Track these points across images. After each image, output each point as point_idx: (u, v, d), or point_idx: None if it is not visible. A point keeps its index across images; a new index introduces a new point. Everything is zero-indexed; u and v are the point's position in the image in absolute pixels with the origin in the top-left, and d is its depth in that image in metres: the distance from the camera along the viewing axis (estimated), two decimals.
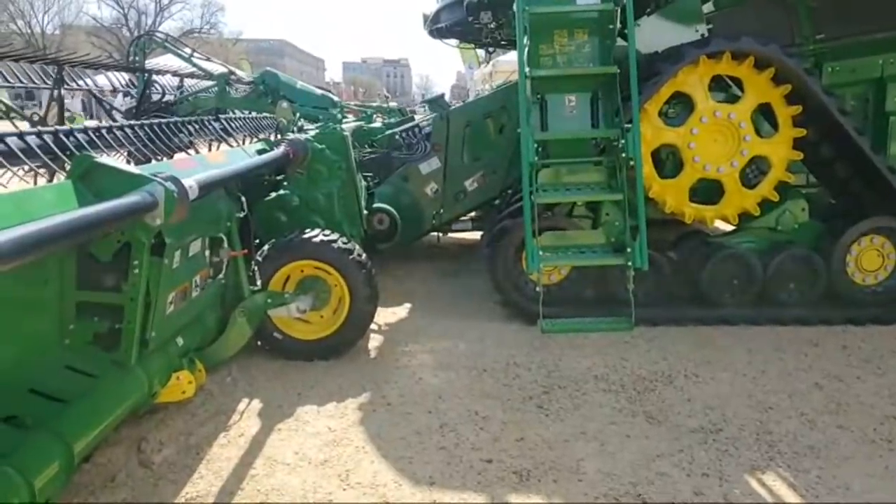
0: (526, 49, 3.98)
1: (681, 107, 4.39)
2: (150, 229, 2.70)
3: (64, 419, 2.52)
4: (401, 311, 5.11)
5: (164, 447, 3.12)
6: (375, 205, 5.75)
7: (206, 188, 3.04)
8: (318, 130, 4.89)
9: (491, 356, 4.15)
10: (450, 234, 7.00)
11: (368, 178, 5.93)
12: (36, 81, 5.72)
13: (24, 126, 4.68)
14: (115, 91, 7.83)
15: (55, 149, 4.61)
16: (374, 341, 4.48)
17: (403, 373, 3.96)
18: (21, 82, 5.60)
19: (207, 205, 3.59)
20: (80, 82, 6.46)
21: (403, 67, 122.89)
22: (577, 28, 4.21)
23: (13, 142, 4.33)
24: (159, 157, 5.67)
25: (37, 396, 2.57)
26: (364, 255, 4.18)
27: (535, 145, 3.93)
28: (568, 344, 4.28)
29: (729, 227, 4.99)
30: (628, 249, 3.80)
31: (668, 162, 4.48)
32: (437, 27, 6.69)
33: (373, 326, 4.65)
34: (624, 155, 3.79)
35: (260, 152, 4.52)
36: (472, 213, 6.39)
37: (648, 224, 3.86)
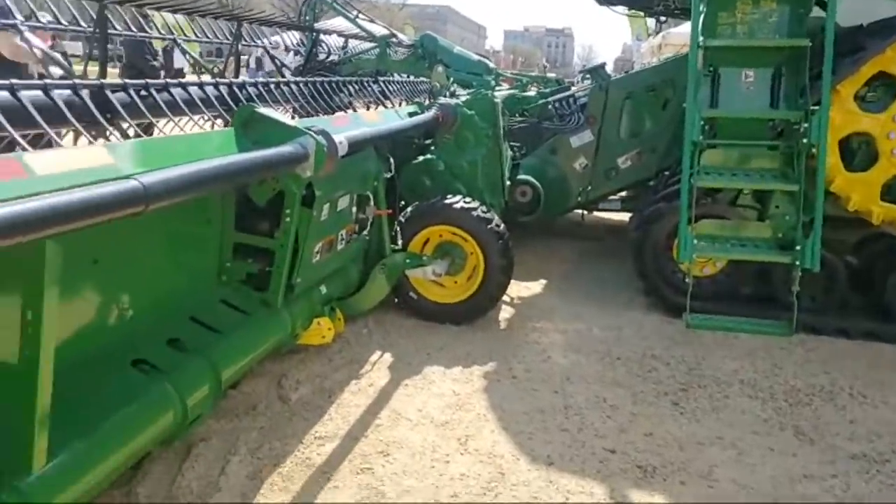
0: (701, 16, 3.67)
1: (883, 90, 3.85)
2: (301, 180, 2.82)
3: (216, 348, 2.73)
4: (536, 287, 5.03)
5: (300, 386, 3.31)
6: (520, 176, 5.66)
7: (356, 145, 3.13)
8: (469, 96, 4.87)
9: (626, 345, 3.98)
10: (595, 213, 6.78)
11: (515, 148, 5.85)
12: (219, 37, 6.17)
13: (207, 79, 5.07)
14: (287, 49, 8.28)
15: (229, 100, 4.98)
16: (506, 313, 4.46)
17: (532, 349, 3.91)
18: (207, 38, 6.07)
19: (357, 163, 3.70)
20: (258, 41, 6.88)
21: (566, 37, 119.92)
22: None
23: (195, 91, 4.71)
24: (320, 114, 5.94)
25: (196, 324, 2.80)
26: (502, 226, 4.15)
27: (702, 123, 3.65)
28: (714, 342, 4.00)
29: None
30: (797, 247, 3.45)
31: (860, 153, 3.96)
32: None
33: (506, 299, 4.62)
34: (805, 141, 3.42)
35: (412, 115, 4.59)
36: (623, 193, 6.11)
37: (825, 221, 3.49)
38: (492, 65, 7.36)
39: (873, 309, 4.18)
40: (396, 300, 4.26)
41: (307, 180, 2.94)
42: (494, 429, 3.05)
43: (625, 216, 6.18)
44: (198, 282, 3.01)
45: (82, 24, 4.59)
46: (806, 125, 3.45)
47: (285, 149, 2.62)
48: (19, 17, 3.74)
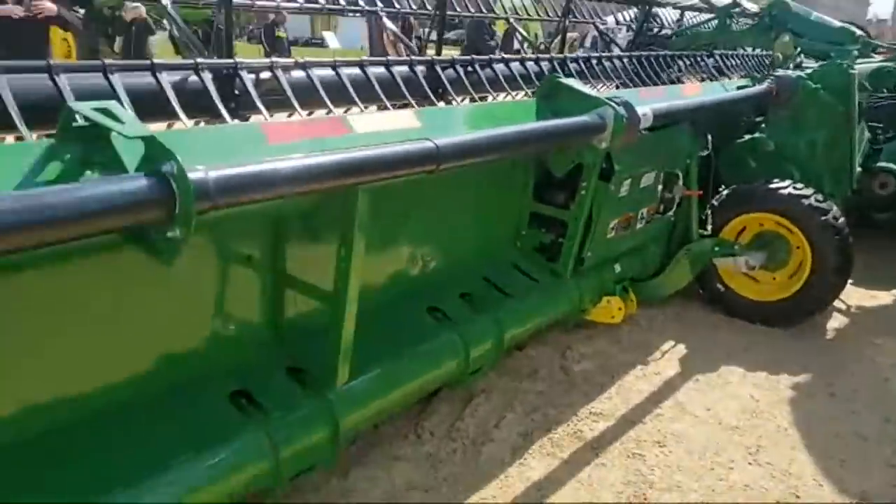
0: None
1: None
2: (598, 152, 2.78)
3: (503, 308, 2.90)
4: (885, 298, 4.19)
5: (584, 360, 3.31)
6: (879, 164, 4.73)
7: (663, 118, 2.97)
8: (817, 67, 4.22)
9: None
10: None
11: (877, 130, 4.91)
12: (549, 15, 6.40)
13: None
14: (617, 24, 8.19)
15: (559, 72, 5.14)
16: (836, 322, 3.81)
17: (865, 367, 3.30)
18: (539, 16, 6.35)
19: (667, 138, 3.51)
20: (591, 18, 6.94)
21: None
22: None
23: (516, 67, 4.97)
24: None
25: (487, 284, 3.00)
26: (841, 220, 3.53)
27: None
28: None
29: None
30: None
31: None
32: None
33: (840, 306, 3.95)
34: None
35: (741, 90, 4.16)
36: None
37: None
38: (859, 33, 6.25)
39: None
40: (700, 290, 3.96)
41: (605, 152, 2.90)
42: (796, 445, 2.67)
43: None
44: (494, 245, 3.21)
45: (428, 7, 5.20)
46: None
47: (581, 119, 2.62)
48: (379, 3, 4.41)
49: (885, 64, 5.56)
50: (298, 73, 3.02)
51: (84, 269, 1.67)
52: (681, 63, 6.90)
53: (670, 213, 3.75)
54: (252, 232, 2.09)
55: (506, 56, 4.51)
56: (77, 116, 1.52)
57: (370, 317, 2.18)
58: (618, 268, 3.57)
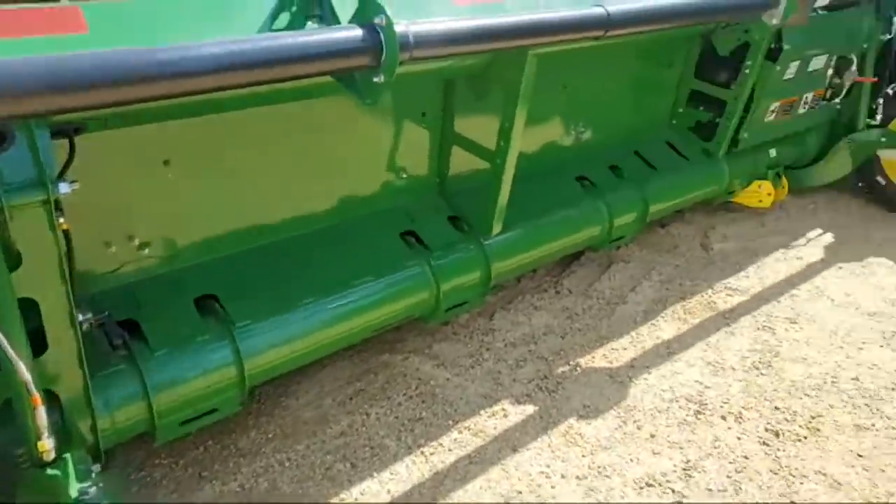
0: None
1: None
2: (768, 29, 2.72)
3: (650, 182, 3.02)
4: None
5: (725, 240, 3.39)
6: None
7: None
8: None
9: None
10: None
11: None
12: None
13: None
14: None
15: None
16: None
17: None
18: None
19: (845, 19, 3.33)
20: None
21: None
22: None
23: None
24: None
25: (638, 158, 3.11)
26: None
27: None
28: None
29: None
30: None
31: None
32: None
33: None
34: None
35: None
36: None
37: None
38: None
39: None
40: (860, 184, 3.82)
41: (775, 30, 2.83)
42: None
43: None
44: (649, 121, 3.27)
45: None
46: None
47: None
48: None
49: None
50: None
51: (293, 113, 1.99)
52: None
53: (837, 99, 3.58)
54: (428, 91, 2.34)
55: None
56: None
57: (525, 179, 2.41)
58: (773, 152, 3.52)
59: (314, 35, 1.61)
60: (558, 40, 2.00)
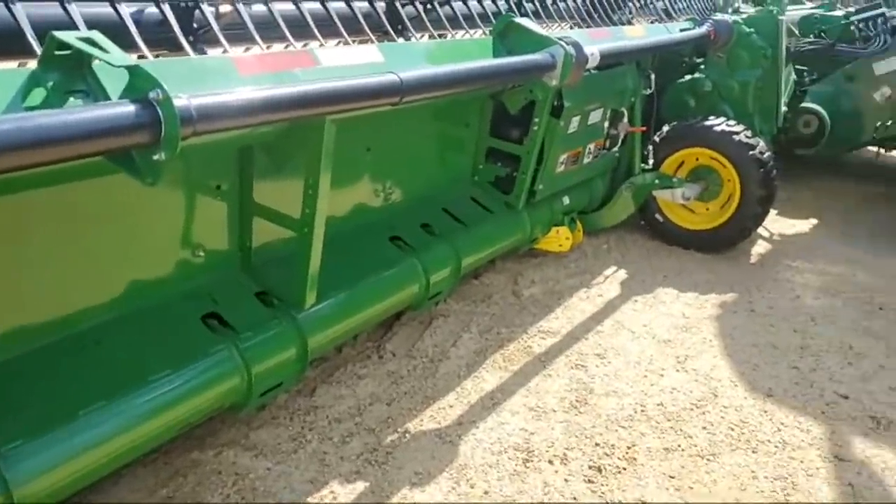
0: None
1: None
2: (549, 89, 2.95)
3: (461, 237, 3.10)
4: (803, 226, 4.58)
5: (533, 285, 3.57)
6: (805, 104, 5.06)
7: (609, 57, 3.15)
8: (752, 13, 4.46)
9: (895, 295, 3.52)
10: (895, 153, 5.80)
11: (803, 73, 5.22)
12: None
13: None
14: None
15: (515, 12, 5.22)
16: (760, 248, 4.17)
17: (780, 286, 3.65)
18: None
19: (614, 77, 3.71)
20: None
21: None
22: None
23: (474, 6, 5.04)
24: None
25: (446, 215, 3.19)
26: (767, 154, 3.83)
27: None
28: None
29: None
30: None
31: None
32: None
33: (764, 234, 4.33)
34: None
35: (682, 32, 4.37)
36: None
37: None
38: None
39: None
40: (642, 221, 4.25)
41: (556, 89, 3.08)
42: (718, 354, 3.00)
43: None
44: (453, 178, 3.39)
45: None
46: None
47: (533, 56, 2.78)
48: None
49: (813, 11, 5.87)
50: (259, 7, 3.06)
51: (64, 196, 1.78)
52: (632, 5, 7.05)
53: (616, 148, 3.99)
54: (222, 162, 2.20)
55: None
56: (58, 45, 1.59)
57: (336, 244, 2.34)
58: (566, 200, 3.81)
59: (78, 113, 1.44)
60: (353, 108, 1.99)
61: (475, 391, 2.69)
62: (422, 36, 3.88)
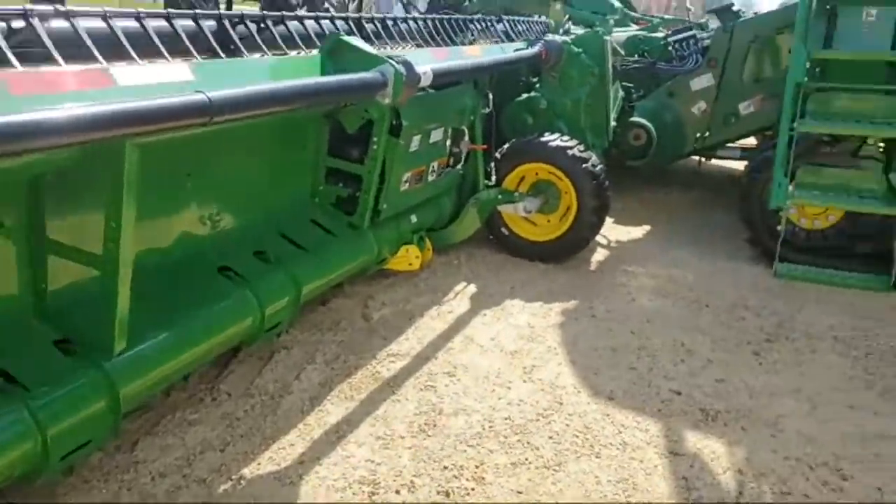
0: None
1: None
2: (384, 108, 2.91)
3: (299, 264, 2.95)
4: (637, 233, 4.87)
5: (384, 307, 3.49)
6: (633, 118, 5.43)
7: (443, 76, 3.15)
8: (581, 34, 4.72)
9: (719, 293, 3.80)
10: (714, 161, 6.37)
11: (630, 90, 5.60)
12: None
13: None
14: None
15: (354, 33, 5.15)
16: (599, 255, 4.38)
17: (618, 291, 3.84)
18: None
19: (453, 96, 3.75)
20: None
21: None
22: None
23: (311, 25, 4.92)
24: None
25: (284, 240, 3.03)
26: (599, 167, 4.04)
27: (808, 65, 3.39)
28: (816, 297, 3.72)
29: None
30: None
31: None
32: None
33: (602, 242, 4.55)
34: None
35: (516, 52, 4.52)
36: (744, 142, 5.70)
37: None
38: (618, 4, 7.03)
39: None
40: (490, 236, 4.31)
41: (390, 108, 3.03)
42: (562, 362, 3.07)
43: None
44: (291, 201, 3.23)
45: None
46: None
47: (362, 75, 2.71)
48: None
49: (637, 33, 6.34)
50: (61, 23, 2.75)
51: None
52: (474, 27, 7.25)
53: (459, 166, 4.03)
54: (4, 195, 1.93)
55: (300, 14, 4.45)
56: None
57: (155, 280, 2.12)
58: (414, 218, 3.77)
59: None
60: (156, 129, 1.81)
61: (319, 426, 2.55)
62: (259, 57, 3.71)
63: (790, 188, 3.47)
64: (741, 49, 5.10)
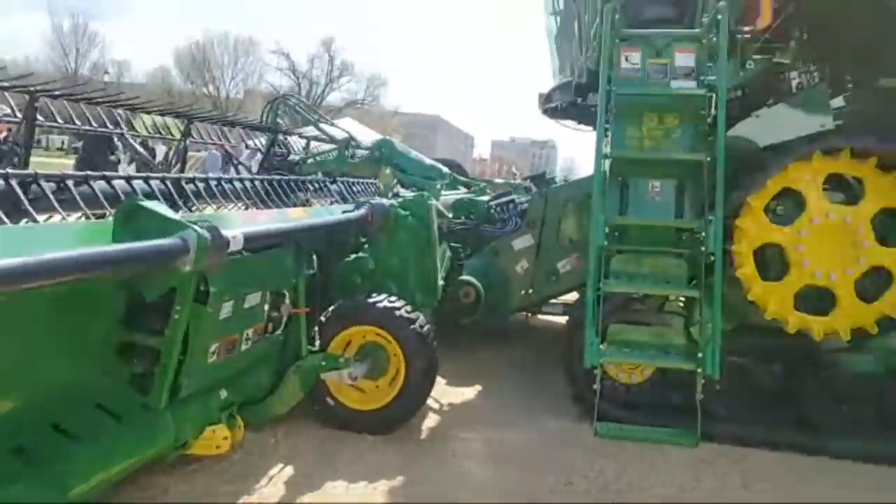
0: (608, 129, 3.79)
1: (792, 204, 3.87)
2: (186, 275, 2.67)
3: (69, 461, 2.49)
4: (468, 393, 4.80)
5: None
6: (462, 277, 5.57)
7: (256, 240, 3.02)
8: (408, 197, 4.86)
9: (549, 456, 3.75)
10: (541, 317, 6.64)
11: (459, 250, 5.80)
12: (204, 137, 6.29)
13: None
14: (248, 148, 8.42)
15: (174, 195, 4.94)
16: (431, 421, 4.21)
17: (449, 463, 3.65)
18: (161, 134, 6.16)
19: (272, 259, 3.59)
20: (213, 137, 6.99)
21: (550, 148, 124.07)
22: (668, 112, 3.98)
23: (138, 185, 4.68)
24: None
25: (54, 432, 2.56)
26: (427, 327, 3.98)
27: (607, 230, 3.71)
28: (638, 454, 3.77)
29: None
30: (699, 354, 3.39)
31: (774, 263, 3.93)
32: (551, 107, 6.58)
33: (434, 405, 4.40)
34: (704, 249, 3.44)
35: (344, 214, 4.54)
36: (565, 298, 6.02)
37: (757, 329, 3.53)
38: (446, 170, 7.50)
39: (799, 420, 4.03)
40: (315, 407, 4.00)
41: (195, 275, 2.80)
42: None
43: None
44: (71, 384, 2.78)
45: (18, 114, 4.62)
46: (703, 234, 3.53)
47: (159, 242, 2.50)
48: None
49: (464, 196, 6.74)
50: None
51: None
52: (309, 186, 7.35)
53: (278, 331, 3.78)
54: None
55: (108, 174, 4.23)
56: None
57: None
58: (224, 393, 3.40)
59: None
60: None
61: None
62: (79, 216, 3.39)
63: (602, 347, 3.59)
64: (556, 212, 5.52)
